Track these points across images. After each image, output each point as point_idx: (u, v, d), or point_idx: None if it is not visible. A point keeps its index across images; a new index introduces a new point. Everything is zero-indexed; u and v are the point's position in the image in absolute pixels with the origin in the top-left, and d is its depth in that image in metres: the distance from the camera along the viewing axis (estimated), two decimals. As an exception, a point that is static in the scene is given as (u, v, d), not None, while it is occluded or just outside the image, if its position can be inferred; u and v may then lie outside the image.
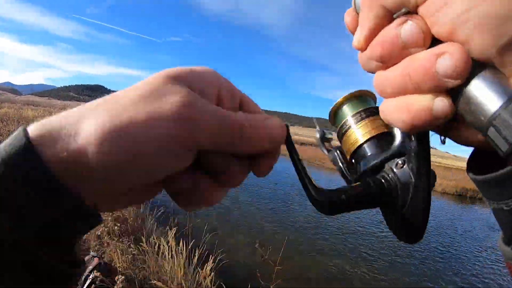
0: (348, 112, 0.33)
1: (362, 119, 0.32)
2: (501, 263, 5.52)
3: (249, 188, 8.71)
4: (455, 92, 0.20)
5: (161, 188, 0.24)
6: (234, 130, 0.22)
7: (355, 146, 0.32)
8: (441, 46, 0.20)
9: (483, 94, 0.19)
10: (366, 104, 0.33)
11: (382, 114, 0.24)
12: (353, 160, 0.34)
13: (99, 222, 0.20)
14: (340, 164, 0.35)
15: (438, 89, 0.20)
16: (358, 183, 0.29)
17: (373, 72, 0.24)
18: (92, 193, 0.19)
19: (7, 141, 0.18)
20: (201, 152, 0.22)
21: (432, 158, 0.28)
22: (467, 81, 0.20)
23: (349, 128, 0.33)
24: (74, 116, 0.20)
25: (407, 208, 0.27)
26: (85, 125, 0.19)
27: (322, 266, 4.29)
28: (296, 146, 0.28)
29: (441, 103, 0.20)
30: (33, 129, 0.19)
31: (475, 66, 0.19)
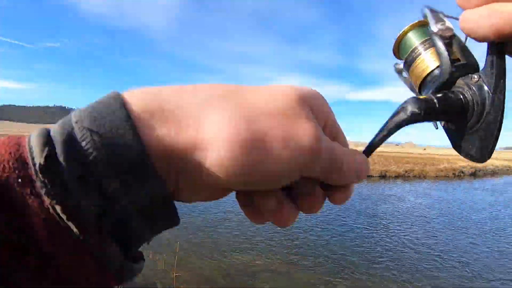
0: (416, 40, 0.32)
1: (433, 45, 0.30)
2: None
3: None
4: None
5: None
6: (338, 165, 0.22)
7: (426, 72, 0.31)
8: None
9: None
10: None
11: (465, 23, 0.25)
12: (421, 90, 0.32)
13: (175, 222, 0.20)
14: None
15: None
16: (438, 94, 0.28)
17: None
18: (176, 184, 0.19)
19: (104, 110, 0.17)
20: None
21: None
22: None
23: (419, 55, 0.32)
24: (190, 102, 0.18)
25: (481, 124, 0.26)
26: (211, 120, 0.18)
27: (224, 264, 4.15)
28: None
29: None
30: (134, 104, 0.17)
31: None
